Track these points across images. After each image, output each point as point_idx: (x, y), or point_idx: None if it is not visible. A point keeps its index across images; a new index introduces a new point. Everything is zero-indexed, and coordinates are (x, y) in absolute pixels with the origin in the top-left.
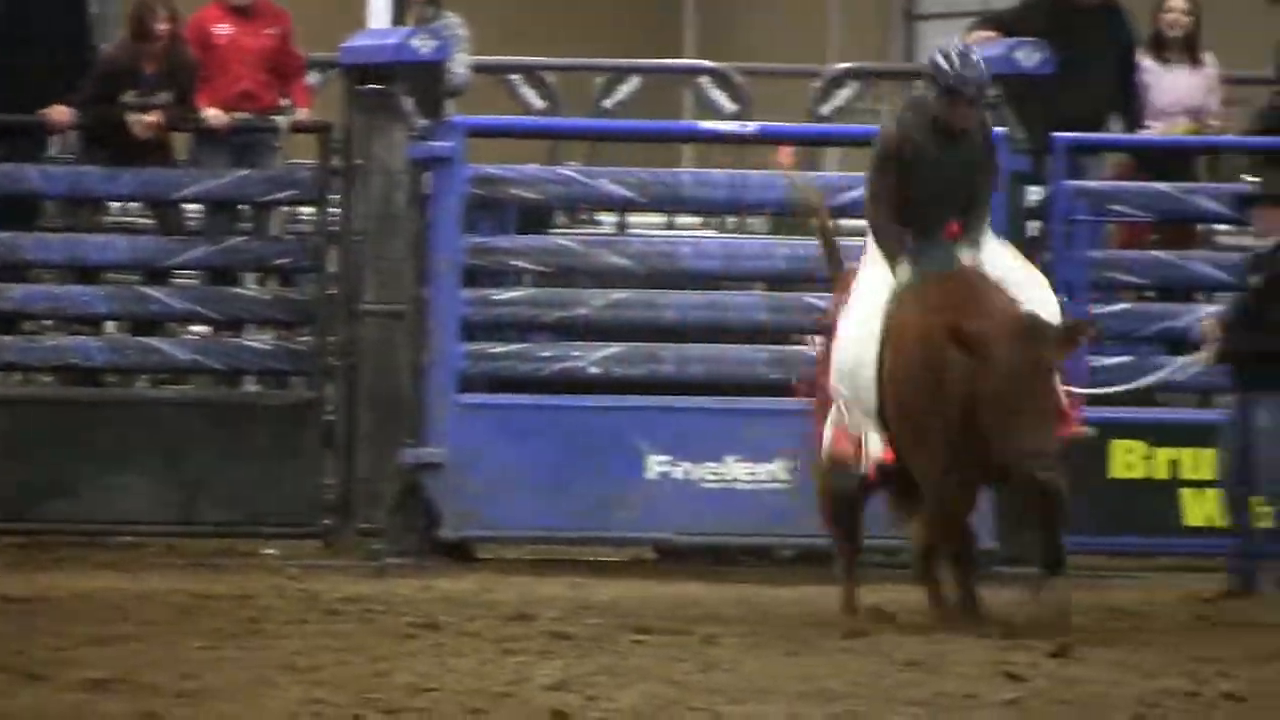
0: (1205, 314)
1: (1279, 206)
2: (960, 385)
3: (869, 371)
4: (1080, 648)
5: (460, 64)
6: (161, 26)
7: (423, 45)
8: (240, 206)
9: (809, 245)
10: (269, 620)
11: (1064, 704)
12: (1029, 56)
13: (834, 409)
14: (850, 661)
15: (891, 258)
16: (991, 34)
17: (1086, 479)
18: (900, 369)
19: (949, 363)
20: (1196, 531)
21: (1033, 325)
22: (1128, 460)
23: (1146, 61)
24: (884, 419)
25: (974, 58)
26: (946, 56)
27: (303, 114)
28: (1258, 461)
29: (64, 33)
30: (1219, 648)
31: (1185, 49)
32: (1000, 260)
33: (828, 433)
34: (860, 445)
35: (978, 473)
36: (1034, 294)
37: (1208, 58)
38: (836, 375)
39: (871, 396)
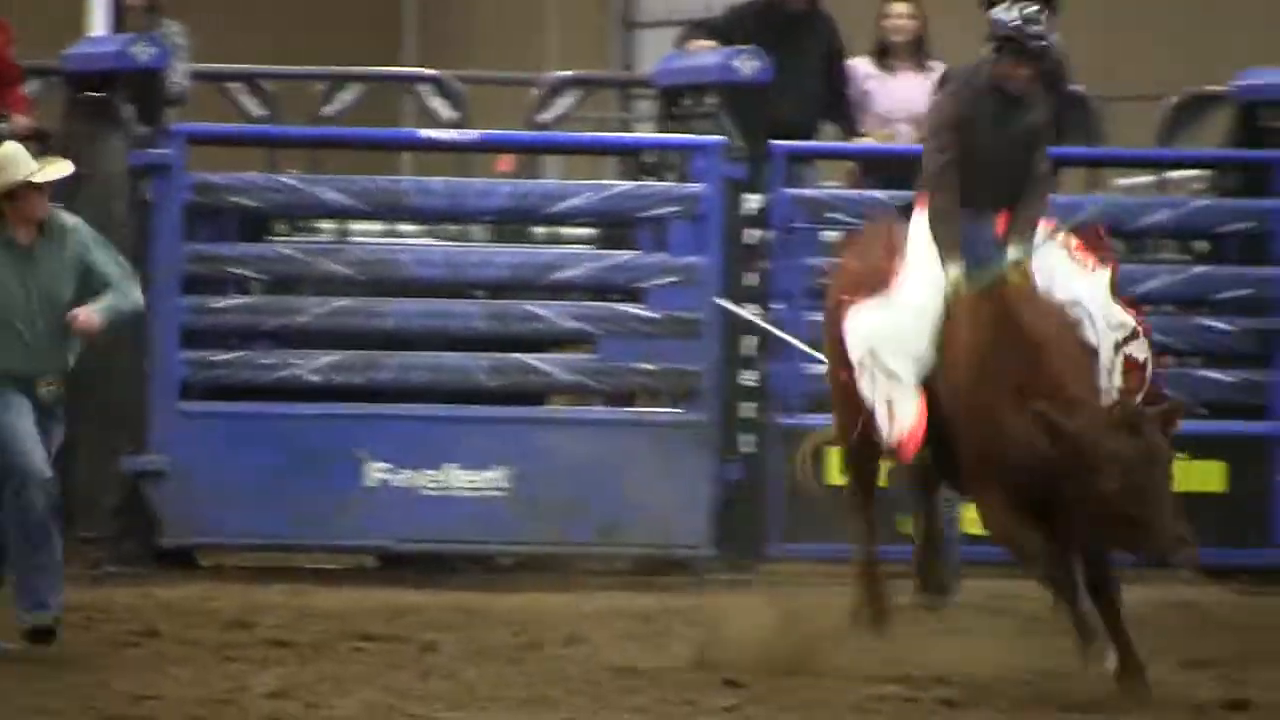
0: None
1: None
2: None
3: (918, 346)
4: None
5: (180, 72)
6: None
7: (142, 53)
8: None
9: (530, 253)
10: None
11: (783, 710)
12: (746, 64)
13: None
14: (570, 669)
15: (946, 248)
16: (707, 42)
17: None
18: (974, 368)
19: (1020, 431)
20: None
21: (1131, 414)
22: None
23: (869, 68)
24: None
25: (1035, 10)
26: (1008, 8)
27: (21, 121)
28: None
29: None
30: (935, 654)
31: (910, 55)
32: (1048, 258)
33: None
34: (880, 418)
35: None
36: (1081, 289)
37: (935, 64)
38: (876, 341)
39: (913, 372)
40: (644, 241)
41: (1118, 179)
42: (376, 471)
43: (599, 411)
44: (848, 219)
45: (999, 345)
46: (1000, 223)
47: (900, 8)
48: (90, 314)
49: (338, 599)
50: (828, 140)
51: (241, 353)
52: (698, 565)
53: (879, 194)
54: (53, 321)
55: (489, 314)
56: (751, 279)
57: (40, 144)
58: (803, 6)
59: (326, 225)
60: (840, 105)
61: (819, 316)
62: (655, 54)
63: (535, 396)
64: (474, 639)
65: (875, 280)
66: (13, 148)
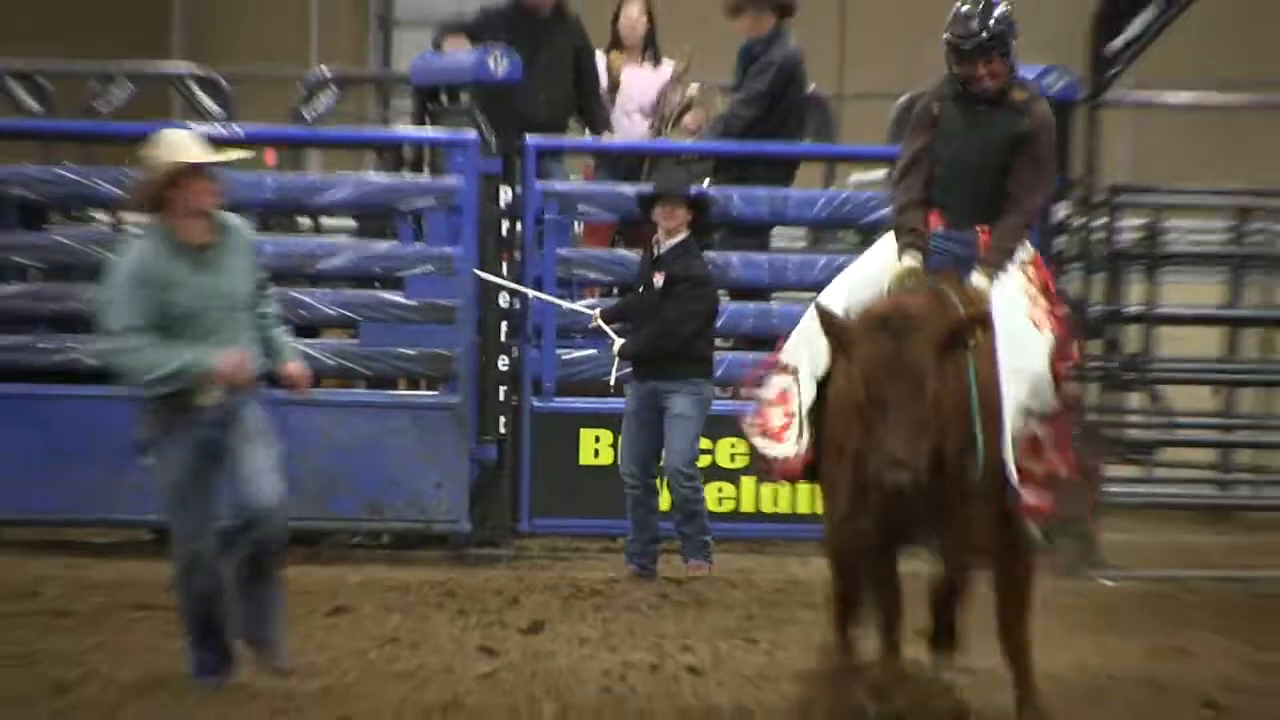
0: (595, 307)
1: (676, 205)
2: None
3: (813, 367)
4: (551, 624)
5: None
6: None
7: None
8: None
9: (294, 242)
10: None
11: (535, 677)
12: (498, 63)
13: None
14: (334, 638)
15: (902, 239)
16: (462, 40)
17: (560, 465)
18: (842, 386)
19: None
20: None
21: (898, 317)
22: (595, 447)
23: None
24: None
25: (979, 10)
26: (957, 7)
27: None
28: (673, 443)
29: None
30: (681, 624)
31: (643, 51)
32: (1012, 301)
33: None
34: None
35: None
36: (1025, 349)
37: (667, 60)
38: (796, 338)
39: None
40: (404, 232)
41: (853, 174)
42: None
43: (362, 394)
44: (597, 211)
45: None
46: (982, 242)
47: (633, 10)
48: (295, 367)
49: (116, 571)
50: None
51: (21, 337)
52: (456, 539)
53: (625, 188)
54: (235, 323)
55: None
56: (505, 268)
57: None
58: (550, 9)
59: (101, 216)
60: (589, 102)
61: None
62: (412, 53)
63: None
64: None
65: None
66: (180, 132)
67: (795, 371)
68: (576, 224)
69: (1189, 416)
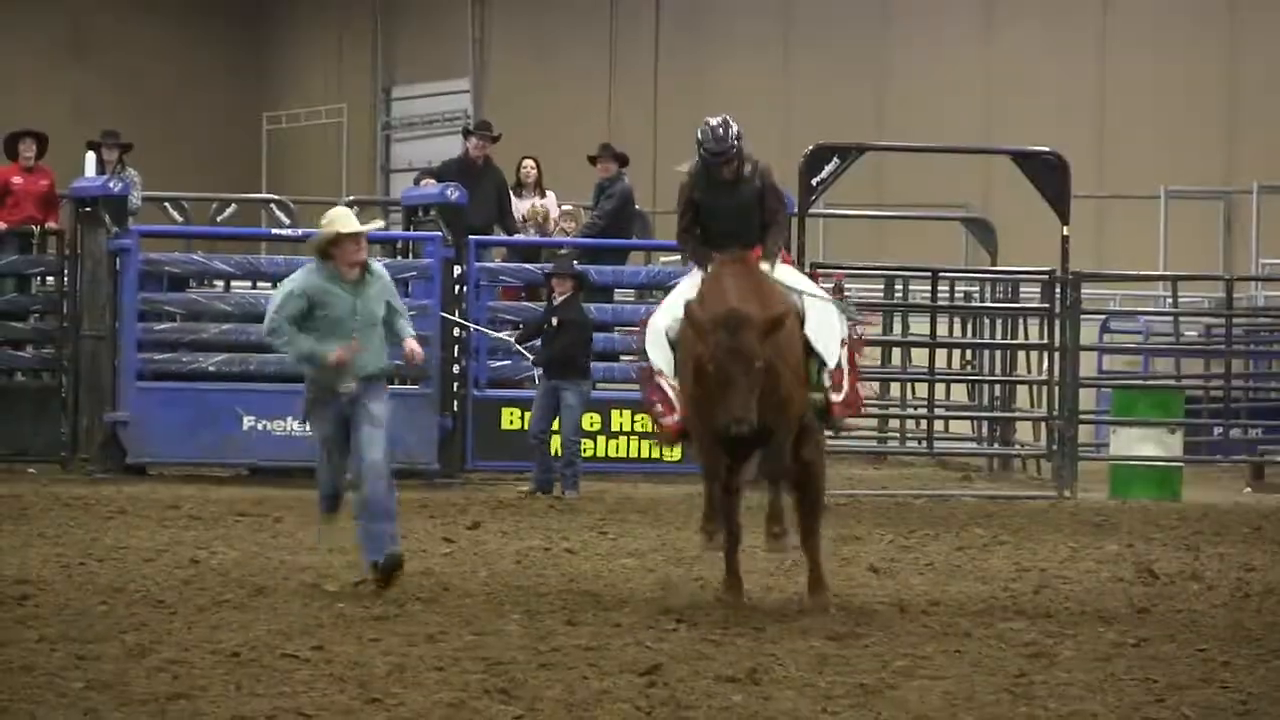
0: (512, 336)
1: (566, 277)
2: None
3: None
4: (484, 524)
5: (136, 197)
6: None
7: (114, 185)
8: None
9: None
10: (33, 510)
11: (475, 555)
12: (453, 193)
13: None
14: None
15: (703, 265)
16: (432, 180)
17: (490, 429)
18: (680, 343)
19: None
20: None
21: (738, 314)
22: (511, 418)
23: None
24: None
25: (723, 131)
26: (703, 131)
27: (53, 226)
28: (566, 420)
29: None
30: (561, 523)
31: (535, 187)
32: (787, 273)
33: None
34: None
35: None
36: (813, 294)
37: (550, 193)
38: (651, 348)
39: (667, 362)
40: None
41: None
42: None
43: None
44: (510, 280)
45: (700, 295)
46: (754, 253)
47: (529, 162)
48: (414, 343)
49: (229, 493)
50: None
51: (172, 354)
52: (428, 474)
53: (527, 266)
54: (371, 334)
55: None
56: (457, 313)
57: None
58: (483, 162)
59: (219, 284)
60: (505, 218)
61: (495, 331)
62: (402, 187)
63: None
64: (313, 515)
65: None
66: (342, 210)
67: (659, 371)
68: (498, 288)
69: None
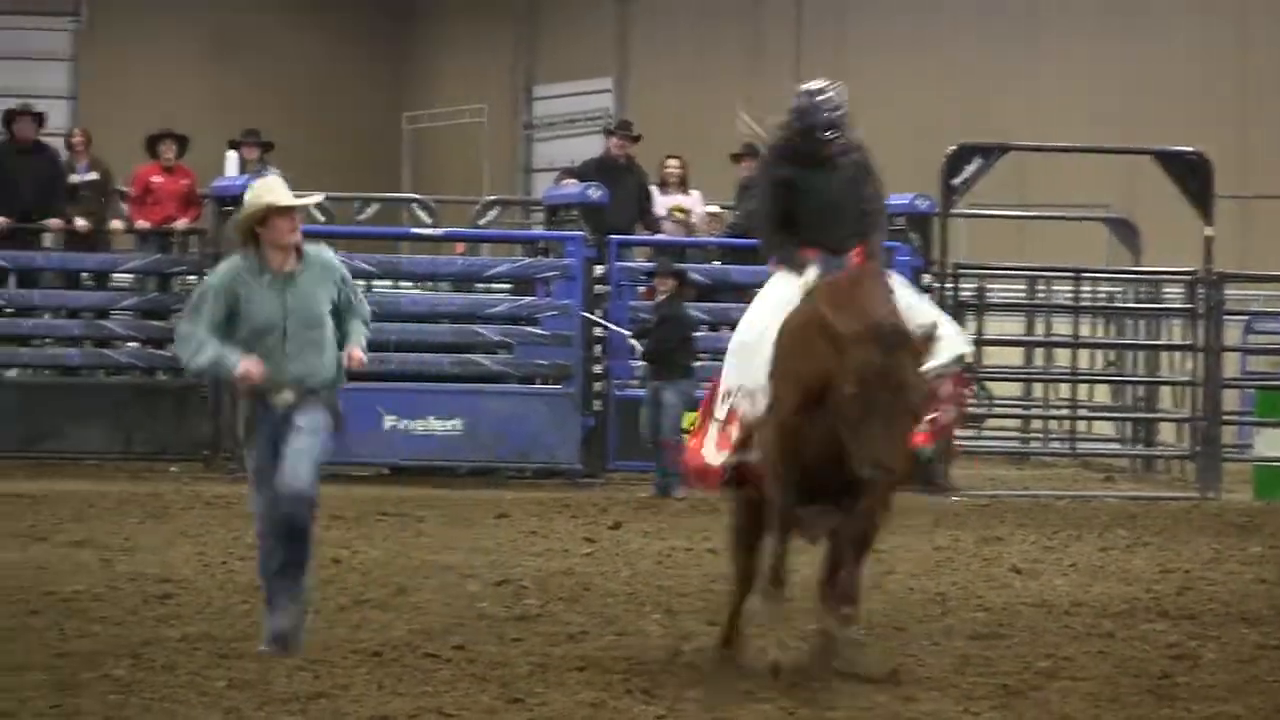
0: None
1: (664, 277)
2: (821, 376)
3: (761, 359)
4: (626, 523)
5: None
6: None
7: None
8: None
9: (473, 300)
10: (174, 509)
11: (616, 555)
12: (594, 193)
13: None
14: (498, 534)
15: (795, 266)
16: (572, 180)
17: (635, 430)
18: (780, 351)
19: (817, 353)
20: None
21: (891, 330)
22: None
23: (657, 192)
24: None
25: (829, 98)
26: (803, 98)
27: (183, 223)
28: (664, 419)
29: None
30: (701, 523)
31: (679, 185)
32: (900, 286)
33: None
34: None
35: (815, 467)
36: (924, 309)
37: (695, 192)
38: (729, 364)
39: (759, 381)
40: (540, 292)
41: None
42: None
43: (518, 387)
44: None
45: (826, 303)
46: (855, 256)
47: (673, 162)
48: (356, 351)
49: (362, 491)
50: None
51: None
52: (570, 473)
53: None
54: (308, 336)
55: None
56: (598, 312)
57: None
58: (625, 161)
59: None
60: (647, 216)
61: (627, 331)
62: (544, 186)
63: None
64: (455, 514)
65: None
66: (273, 179)
67: (735, 392)
68: (640, 288)
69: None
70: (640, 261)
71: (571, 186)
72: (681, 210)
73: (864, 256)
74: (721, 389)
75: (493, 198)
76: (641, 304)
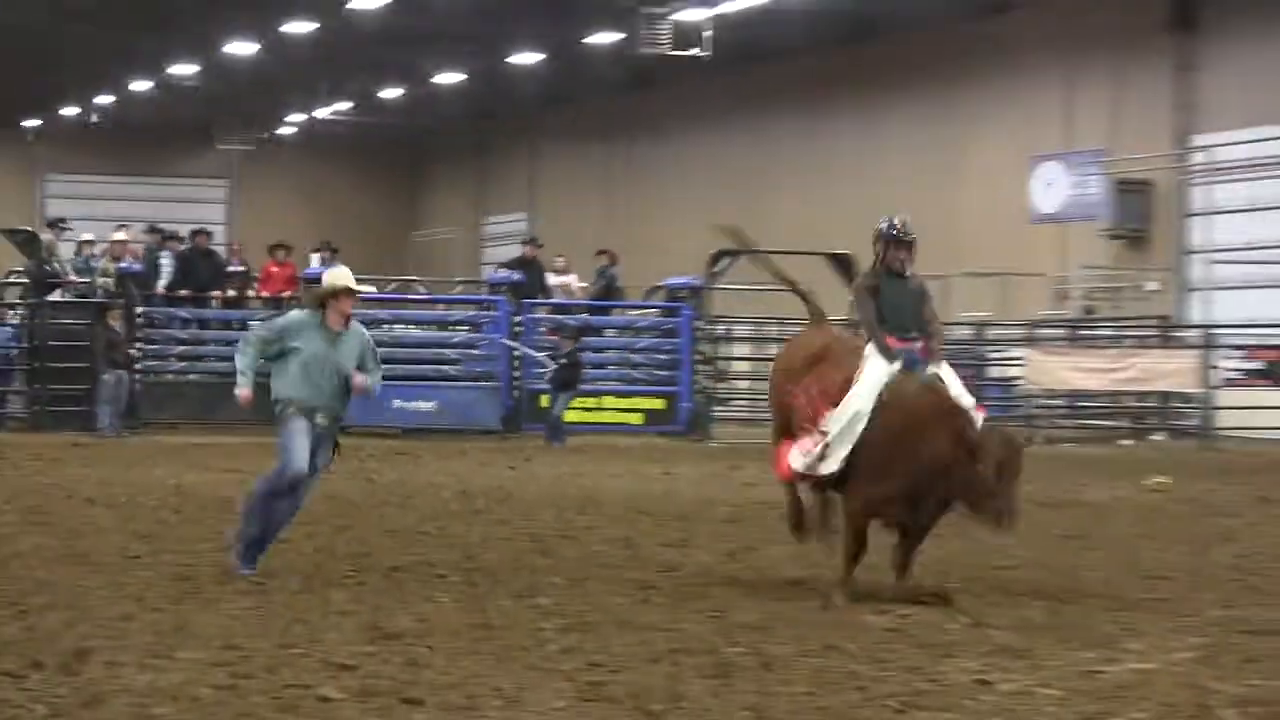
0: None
1: (566, 337)
2: (929, 457)
3: (860, 425)
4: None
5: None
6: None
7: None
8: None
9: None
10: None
11: None
12: (516, 276)
13: (807, 438)
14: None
15: (886, 356)
16: (504, 269)
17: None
18: (891, 436)
19: (926, 444)
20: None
21: (1012, 437)
22: (545, 401)
23: (551, 276)
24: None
25: (909, 223)
26: (891, 222)
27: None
28: (557, 409)
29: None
30: None
31: (563, 271)
32: (944, 370)
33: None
34: (816, 460)
35: (906, 509)
36: (960, 392)
37: (572, 274)
38: (835, 419)
39: (853, 438)
40: (486, 330)
41: None
42: None
43: (471, 384)
44: (546, 325)
45: (918, 417)
46: (920, 348)
47: (560, 258)
48: (365, 381)
49: (386, 444)
50: None
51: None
52: (501, 432)
53: (558, 317)
54: (341, 381)
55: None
56: (516, 342)
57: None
58: (532, 258)
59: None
60: (545, 289)
61: (536, 353)
62: (489, 272)
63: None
64: (435, 454)
65: (809, 359)
66: (344, 269)
67: (831, 438)
68: (542, 329)
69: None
70: (541, 315)
71: (503, 273)
72: (565, 286)
73: (929, 354)
74: (824, 423)
75: (460, 279)
76: (542, 338)
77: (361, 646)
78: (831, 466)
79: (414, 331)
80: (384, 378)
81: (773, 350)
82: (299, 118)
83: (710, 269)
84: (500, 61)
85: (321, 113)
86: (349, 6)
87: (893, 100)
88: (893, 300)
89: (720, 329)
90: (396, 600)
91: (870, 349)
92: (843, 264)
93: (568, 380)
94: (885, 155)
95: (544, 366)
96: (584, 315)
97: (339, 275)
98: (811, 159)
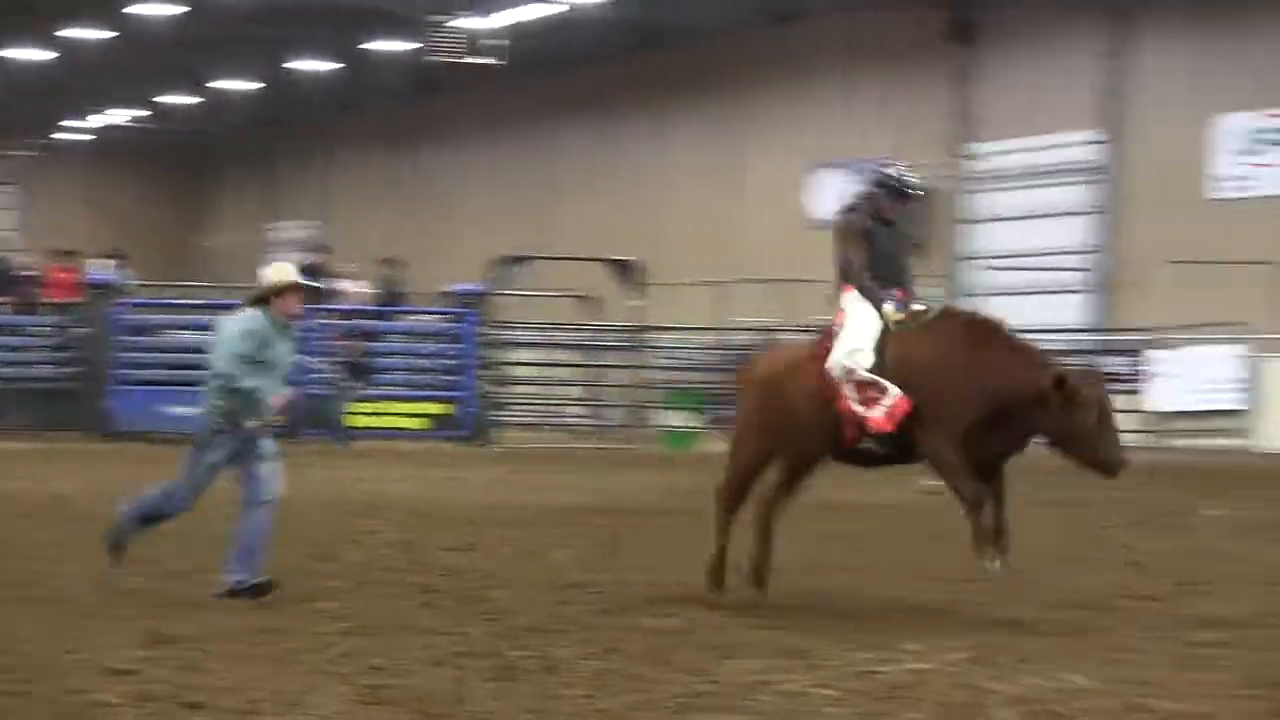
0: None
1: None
2: (993, 395)
3: (866, 360)
4: None
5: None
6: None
7: (116, 277)
8: None
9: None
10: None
11: None
12: (306, 280)
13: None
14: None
15: (876, 303)
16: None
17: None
18: (945, 373)
19: (989, 382)
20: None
21: (1095, 376)
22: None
23: (345, 282)
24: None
25: (899, 171)
26: (896, 168)
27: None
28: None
29: None
30: None
31: (349, 279)
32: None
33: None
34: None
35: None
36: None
37: (354, 280)
38: (846, 361)
39: (864, 372)
40: None
41: None
42: None
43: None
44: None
45: (966, 345)
46: (899, 294)
47: (352, 265)
48: (289, 397)
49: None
50: None
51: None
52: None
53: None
54: (286, 373)
55: None
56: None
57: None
58: (321, 264)
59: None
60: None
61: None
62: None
63: None
64: None
65: (783, 370)
66: (288, 264)
67: (853, 378)
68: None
69: None
70: (329, 321)
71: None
72: (349, 292)
73: (906, 295)
74: (865, 377)
75: (239, 285)
76: (330, 343)
77: (139, 651)
78: (891, 405)
79: (186, 336)
80: (160, 384)
81: (559, 356)
82: (88, 123)
83: (489, 275)
84: (290, 69)
85: (110, 119)
86: (133, 11)
87: (679, 108)
88: (884, 249)
89: (504, 334)
90: (175, 606)
91: (851, 295)
92: (624, 270)
93: (353, 382)
94: (671, 163)
95: (323, 371)
96: (363, 320)
97: (283, 270)
98: (599, 166)
